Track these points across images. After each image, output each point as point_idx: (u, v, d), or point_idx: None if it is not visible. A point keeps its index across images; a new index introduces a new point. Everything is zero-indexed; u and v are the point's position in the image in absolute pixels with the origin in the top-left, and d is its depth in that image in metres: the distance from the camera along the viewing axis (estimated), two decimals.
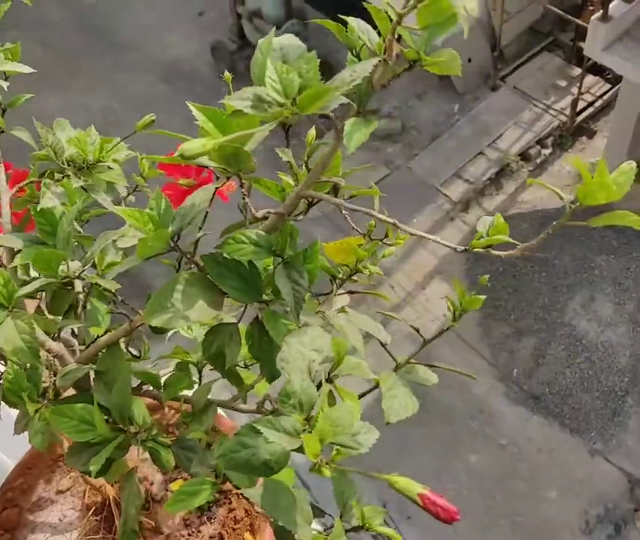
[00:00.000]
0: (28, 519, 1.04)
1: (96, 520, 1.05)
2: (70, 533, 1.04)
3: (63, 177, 0.75)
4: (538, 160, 5.84)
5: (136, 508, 0.75)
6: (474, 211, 5.81)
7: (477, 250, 0.62)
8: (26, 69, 0.76)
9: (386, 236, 0.80)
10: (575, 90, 5.87)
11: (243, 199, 0.62)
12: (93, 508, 1.04)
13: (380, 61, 0.54)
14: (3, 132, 0.78)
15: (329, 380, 0.60)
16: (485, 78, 6.17)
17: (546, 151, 5.85)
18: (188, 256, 0.68)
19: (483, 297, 0.66)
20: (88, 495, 1.06)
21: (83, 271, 0.69)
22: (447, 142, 5.93)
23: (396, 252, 0.80)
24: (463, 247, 0.62)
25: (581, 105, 5.84)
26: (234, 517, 1.05)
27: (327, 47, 5.31)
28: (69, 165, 0.76)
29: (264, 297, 0.69)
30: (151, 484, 1.07)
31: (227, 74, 0.73)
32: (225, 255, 0.66)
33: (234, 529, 1.04)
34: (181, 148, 0.42)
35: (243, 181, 0.63)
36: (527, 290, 5.65)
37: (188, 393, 0.78)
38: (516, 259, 5.72)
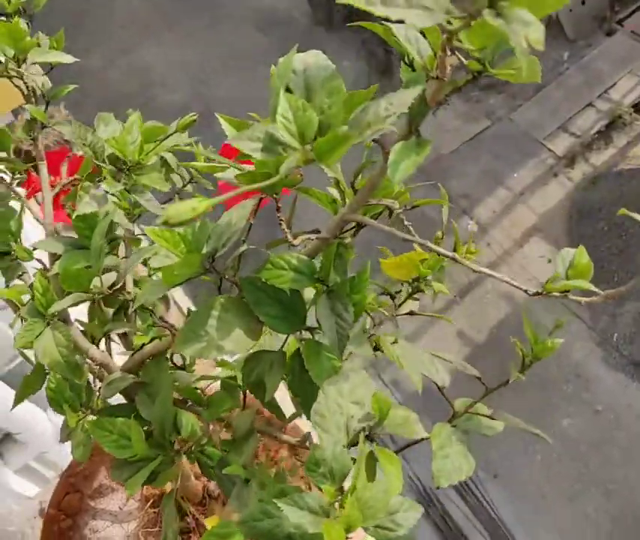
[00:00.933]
0: (89, 505, 1.04)
1: (154, 512, 1.03)
2: (128, 523, 1.03)
3: (104, 178, 0.70)
4: None
5: (173, 532, 0.71)
6: (579, 167, 5.49)
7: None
8: (68, 59, 0.71)
9: (454, 250, 0.71)
10: None
11: (280, 224, 0.55)
12: (151, 501, 1.02)
13: (431, 79, 0.45)
14: (45, 127, 0.74)
15: (369, 437, 0.53)
16: (600, 22, 5.75)
17: None
18: (226, 277, 0.62)
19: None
20: (146, 487, 1.04)
21: (117, 288, 0.64)
22: (554, 92, 5.59)
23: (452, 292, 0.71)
24: (535, 291, 0.53)
25: None
26: None
27: None
28: (114, 165, 0.71)
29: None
30: (209, 480, 1.04)
31: None
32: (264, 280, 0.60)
33: None
34: (165, 213, 0.35)
35: (281, 197, 0.56)
36: (635, 252, 5.32)
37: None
38: (625, 218, 5.40)
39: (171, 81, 4.68)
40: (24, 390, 0.86)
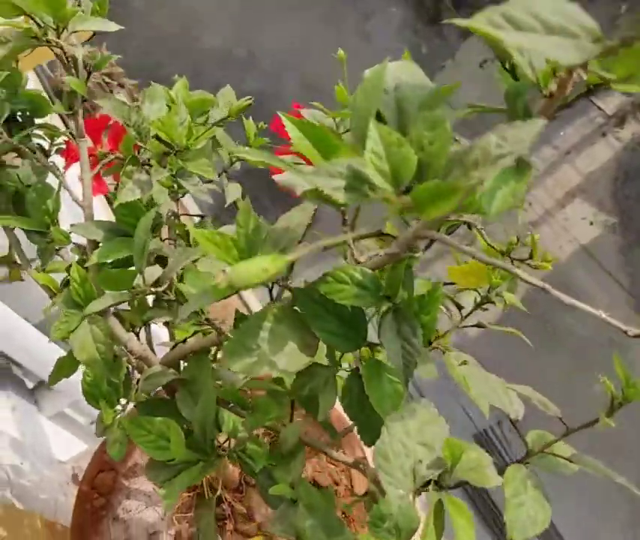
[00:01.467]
0: (123, 484, 1.00)
1: (188, 496, 1.00)
2: (162, 505, 0.99)
3: (148, 161, 0.64)
4: None
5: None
6: (629, 127, 5.27)
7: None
8: (112, 26, 0.64)
9: (530, 257, 0.64)
10: None
11: (346, 244, 0.48)
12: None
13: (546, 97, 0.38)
14: (86, 100, 0.68)
15: (438, 485, 0.47)
16: None
17: None
18: (281, 284, 0.56)
19: None
20: None
21: (160, 290, 0.58)
22: None
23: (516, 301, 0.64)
24: (635, 333, 0.46)
25: None
26: None
27: None
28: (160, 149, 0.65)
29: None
30: None
31: None
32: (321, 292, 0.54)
33: None
34: (231, 274, 0.29)
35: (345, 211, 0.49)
36: None
37: None
38: None
39: (215, 24, 4.55)
40: (58, 372, 0.82)
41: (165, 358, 0.73)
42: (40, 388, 2.08)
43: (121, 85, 3.37)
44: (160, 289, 0.57)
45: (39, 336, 1.81)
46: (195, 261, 0.57)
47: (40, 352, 1.93)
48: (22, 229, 0.72)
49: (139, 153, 0.76)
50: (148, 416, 0.69)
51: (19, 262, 0.72)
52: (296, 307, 0.55)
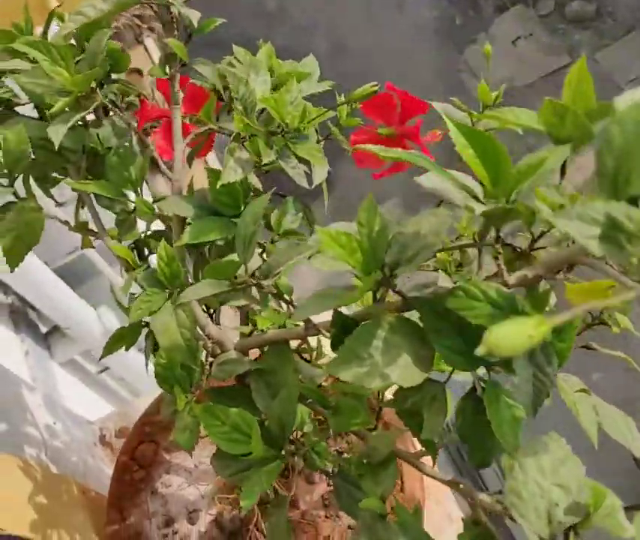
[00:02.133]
0: (164, 457, 0.97)
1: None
2: (204, 483, 0.96)
3: (251, 137, 0.59)
4: None
5: None
6: None
7: None
8: None
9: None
10: None
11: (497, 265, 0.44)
12: None
13: None
14: (185, 65, 0.62)
15: (576, 534, 0.43)
16: None
17: None
18: (397, 291, 0.52)
19: None
20: None
21: (265, 283, 0.54)
22: None
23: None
24: None
25: None
26: None
27: None
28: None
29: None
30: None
31: None
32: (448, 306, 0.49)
33: None
34: (491, 338, 0.25)
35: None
36: None
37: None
38: None
39: None
40: (115, 342, 0.79)
41: (240, 344, 0.69)
42: (54, 334, 2.06)
43: (151, 29, 3.29)
44: (264, 282, 0.53)
45: (57, 281, 1.78)
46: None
47: (57, 298, 1.90)
48: (96, 195, 0.68)
49: (218, 119, 0.72)
50: (217, 403, 0.66)
51: (94, 229, 0.67)
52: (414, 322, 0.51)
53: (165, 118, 0.74)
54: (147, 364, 0.80)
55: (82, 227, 0.68)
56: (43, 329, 2.06)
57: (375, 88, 0.59)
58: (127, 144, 0.66)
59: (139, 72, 3.59)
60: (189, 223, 0.63)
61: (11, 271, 0.63)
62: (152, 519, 0.95)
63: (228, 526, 0.94)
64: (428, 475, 0.58)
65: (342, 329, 0.59)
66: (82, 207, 0.75)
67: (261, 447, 0.61)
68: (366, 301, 0.60)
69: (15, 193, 0.61)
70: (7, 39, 0.65)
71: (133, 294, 0.81)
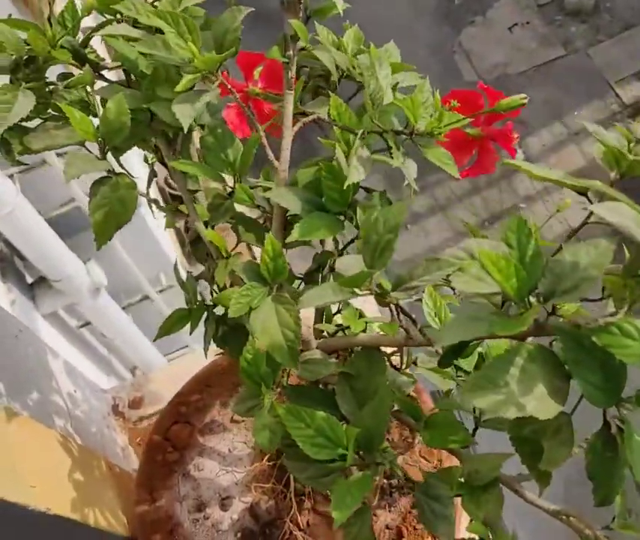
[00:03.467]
0: (198, 440, 0.94)
1: (269, 465, 0.93)
2: (237, 468, 0.93)
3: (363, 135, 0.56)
4: None
5: None
6: None
7: None
8: None
9: None
10: None
11: None
12: (268, 454, 0.92)
13: None
14: (304, 49, 0.58)
15: None
16: None
17: None
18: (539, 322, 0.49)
19: None
20: None
21: (382, 292, 0.51)
22: None
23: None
24: None
25: None
26: None
27: None
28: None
29: None
30: None
31: None
32: (593, 338, 0.47)
33: (415, 529, 0.91)
34: None
35: None
36: None
37: None
38: None
39: None
40: (172, 324, 0.75)
41: (325, 343, 0.66)
42: (40, 285, 2.01)
43: None
44: (394, 294, 0.49)
45: (49, 231, 1.72)
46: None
47: (47, 248, 1.84)
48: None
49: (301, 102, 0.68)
50: (297, 403, 0.63)
51: (186, 212, 0.63)
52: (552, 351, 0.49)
53: (240, 94, 0.69)
54: (206, 350, 0.76)
55: (172, 209, 0.63)
56: (29, 279, 2.00)
57: (525, 100, 0.56)
58: (221, 122, 0.62)
59: None
60: (291, 216, 0.59)
61: (97, 249, 0.59)
62: (183, 502, 0.92)
63: (264, 516, 0.91)
64: (532, 503, 0.56)
65: (453, 347, 0.57)
66: (150, 184, 0.71)
67: (352, 457, 0.59)
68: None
69: (110, 169, 0.56)
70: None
71: (190, 272, 0.77)
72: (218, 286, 0.62)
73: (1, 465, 0.68)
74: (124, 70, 0.64)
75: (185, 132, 0.50)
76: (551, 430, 0.52)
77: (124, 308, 2.45)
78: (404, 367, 0.66)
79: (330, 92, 0.63)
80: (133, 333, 2.48)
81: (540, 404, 0.48)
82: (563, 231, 5.02)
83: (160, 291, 2.64)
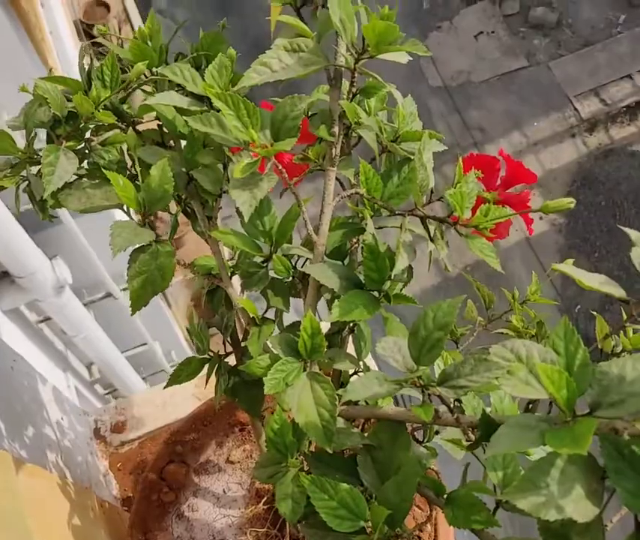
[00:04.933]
0: (193, 480, 0.93)
1: (264, 508, 0.93)
2: (232, 511, 0.93)
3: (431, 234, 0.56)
4: None
5: None
6: (598, 135, 5.41)
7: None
8: None
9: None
10: None
11: None
12: (265, 497, 0.93)
13: None
14: (350, 128, 0.58)
15: None
16: None
17: None
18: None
19: None
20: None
21: (428, 385, 0.51)
22: (599, 53, 5.41)
23: None
24: None
25: None
26: None
27: None
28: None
29: None
30: None
31: None
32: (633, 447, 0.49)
33: None
34: None
35: None
36: (622, 236, 5.35)
37: None
38: (624, 199, 5.36)
39: None
40: (188, 374, 0.75)
41: (346, 411, 0.66)
42: (3, 280, 1.96)
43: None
44: (440, 389, 0.50)
45: (15, 226, 1.69)
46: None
47: (12, 243, 1.80)
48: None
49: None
50: (318, 470, 0.64)
51: (219, 275, 0.62)
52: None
53: None
54: (217, 402, 0.76)
55: (204, 271, 0.63)
56: None
57: (572, 205, 0.57)
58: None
59: (106, 6, 3.39)
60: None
61: (132, 314, 0.58)
62: None
63: None
64: None
65: (487, 429, 0.58)
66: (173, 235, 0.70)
67: (378, 537, 0.60)
68: None
69: (156, 238, 0.55)
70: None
71: (202, 320, 0.77)
72: (247, 354, 0.61)
73: (9, 518, 0.66)
74: (158, 126, 0.63)
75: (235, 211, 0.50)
76: (582, 526, 0.54)
77: (85, 305, 2.40)
78: (426, 440, 0.67)
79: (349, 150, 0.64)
80: (94, 331, 2.44)
81: (578, 506, 0.49)
82: (518, 238, 5.14)
83: (124, 289, 2.60)
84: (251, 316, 0.61)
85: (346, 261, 0.69)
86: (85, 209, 0.57)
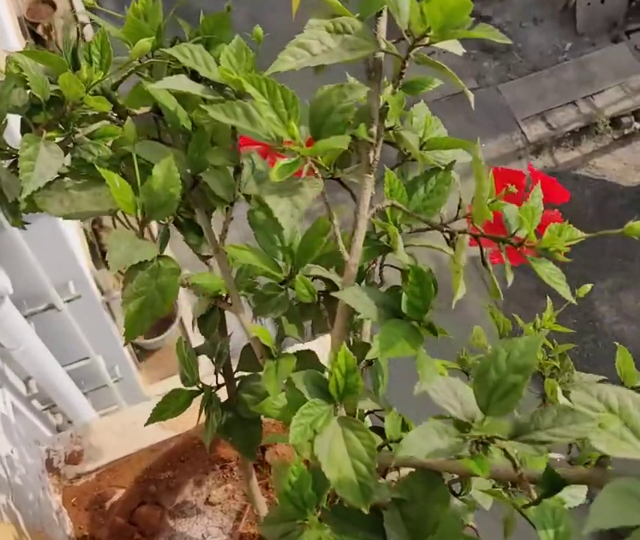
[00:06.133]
0: (168, 524, 0.82)
1: None
2: None
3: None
4: (626, 132, 5.47)
5: None
6: (543, 158, 5.49)
7: None
8: None
9: None
10: None
11: None
12: None
13: None
14: (391, 129, 0.49)
15: None
16: (610, 26, 5.64)
17: (638, 125, 5.48)
18: None
19: None
20: (247, 524, 0.84)
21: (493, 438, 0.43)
22: (546, 78, 5.49)
23: None
24: None
25: None
26: None
27: None
28: None
29: None
30: None
31: None
32: None
33: None
34: None
35: None
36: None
37: None
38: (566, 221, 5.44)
39: None
40: (177, 409, 0.65)
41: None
42: None
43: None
44: (521, 450, 0.41)
45: None
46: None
47: None
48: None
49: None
50: (338, 526, 0.55)
51: (229, 301, 0.52)
52: None
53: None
54: (208, 442, 0.66)
55: (214, 294, 0.53)
56: None
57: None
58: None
59: (52, 4, 3.22)
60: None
61: (124, 345, 0.47)
62: None
63: None
64: None
65: (552, 486, 0.50)
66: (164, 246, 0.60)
67: None
68: None
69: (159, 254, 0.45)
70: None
71: (190, 347, 0.67)
72: (258, 394, 0.52)
73: None
74: (154, 119, 0.53)
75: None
76: None
77: (26, 317, 2.25)
78: (463, 493, 0.58)
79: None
80: (34, 343, 2.28)
81: None
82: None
83: (68, 300, 2.44)
84: (265, 346, 0.51)
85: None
86: (69, 215, 0.47)
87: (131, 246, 0.43)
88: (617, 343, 0.74)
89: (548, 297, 0.84)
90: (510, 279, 0.46)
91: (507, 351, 0.42)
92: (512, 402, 0.41)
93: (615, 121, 5.45)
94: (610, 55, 5.56)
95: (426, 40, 0.45)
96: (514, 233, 0.48)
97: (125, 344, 0.47)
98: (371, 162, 0.49)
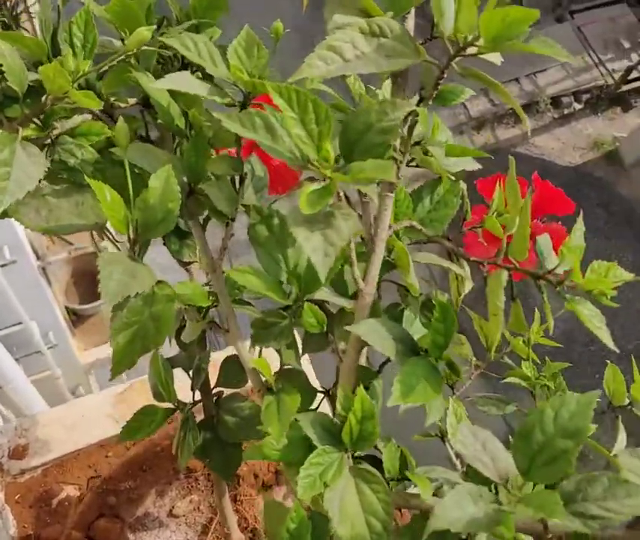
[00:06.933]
0: (128, 538, 0.76)
1: None
2: None
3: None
4: (566, 111, 5.56)
5: None
6: (485, 134, 5.53)
7: None
8: None
9: None
10: (635, 57, 5.50)
11: None
12: None
13: None
14: (418, 143, 0.44)
15: None
16: (554, 5, 5.69)
17: (578, 106, 5.57)
18: None
19: None
20: (213, 538, 0.78)
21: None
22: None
23: None
24: None
25: (634, 75, 5.49)
26: None
27: None
28: None
29: None
30: None
31: None
32: None
33: None
34: None
35: None
36: None
37: None
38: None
39: None
40: (133, 432, 0.59)
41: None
42: None
43: None
44: (570, 521, 0.37)
45: None
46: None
47: None
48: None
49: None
50: None
51: (225, 327, 0.46)
52: None
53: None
54: (182, 464, 0.60)
55: (208, 322, 0.47)
56: None
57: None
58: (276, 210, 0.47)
59: None
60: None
61: (111, 379, 0.41)
62: None
63: None
64: None
65: None
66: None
67: None
68: None
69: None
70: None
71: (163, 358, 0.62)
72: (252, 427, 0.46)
73: None
74: (141, 113, 0.46)
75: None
76: None
77: None
78: None
79: None
80: None
81: None
82: None
83: (3, 265, 2.32)
84: (264, 380, 0.46)
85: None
86: (48, 228, 0.40)
87: (125, 273, 0.37)
88: (608, 361, 0.71)
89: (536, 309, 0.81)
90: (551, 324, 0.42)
91: (554, 410, 0.38)
92: (560, 470, 0.37)
93: (556, 101, 5.52)
94: (554, 34, 5.60)
95: (472, 50, 0.40)
96: (553, 269, 0.43)
97: (112, 378, 0.41)
98: (394, 180, 0.43)
